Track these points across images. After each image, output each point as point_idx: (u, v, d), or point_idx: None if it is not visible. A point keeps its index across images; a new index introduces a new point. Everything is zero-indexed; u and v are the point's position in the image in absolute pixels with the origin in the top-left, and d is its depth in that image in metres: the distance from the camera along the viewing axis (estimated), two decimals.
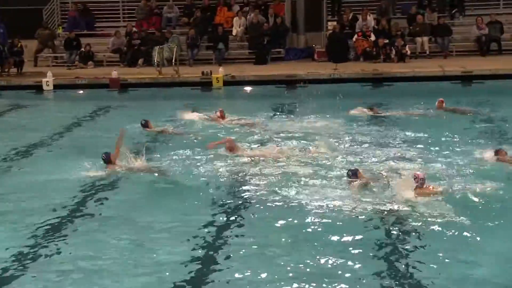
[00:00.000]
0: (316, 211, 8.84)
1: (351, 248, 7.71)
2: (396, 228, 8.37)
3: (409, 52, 22.24)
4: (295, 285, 6.91)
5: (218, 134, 13.45)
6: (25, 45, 23.20)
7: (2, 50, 22.40)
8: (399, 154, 11.63)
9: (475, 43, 22.97)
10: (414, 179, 9.32)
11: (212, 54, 23.77)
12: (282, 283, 6.97)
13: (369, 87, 20.02)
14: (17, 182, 10.91)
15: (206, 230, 8.50)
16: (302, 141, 12.68)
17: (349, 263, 7.36)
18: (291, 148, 12.07)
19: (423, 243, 7.87)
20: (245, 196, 9.74)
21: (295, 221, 8.57)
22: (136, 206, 9.53)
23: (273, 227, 8.50)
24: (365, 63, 22.31)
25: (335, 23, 23.86)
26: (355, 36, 23.11)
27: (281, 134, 13.47)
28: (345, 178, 10.02)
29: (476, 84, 19.59)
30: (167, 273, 7.28)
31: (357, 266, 7.29)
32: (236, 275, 7.19)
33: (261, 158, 11.42)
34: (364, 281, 6.98)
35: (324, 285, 6.90)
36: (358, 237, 8.01)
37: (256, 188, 10.02)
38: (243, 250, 7.82)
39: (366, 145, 12.40)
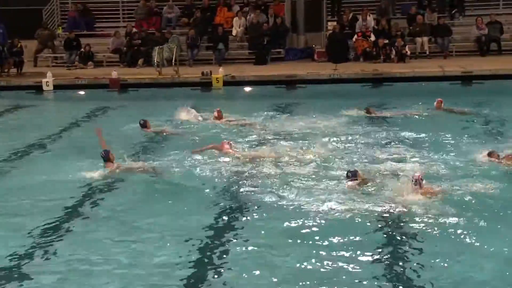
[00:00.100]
0: (315, 212, 8.82)
1: (350, 250, 7.69)
2: (395, 229, 8.37)
3: (409, 52, 22.23)
4: (293, 286, 6.89)
5: (217, 135, 13.44)
6: (25, 46, 23.18)
7: (2, 51, 22.37)
8: (397, 154, 11.60)
9: (475, 43, 22.97)
10: (413, 180, 9.31)
11: (212, 54, 23.76)
12: (281, 284, 6.95)
13: (369, 87, 20.02)
14: (16, 182, 10.90)
15: (203, 230, 8.48)
16: (300, 142, 12.66)
17: (348, 264, 7.35)
18: (289, 148, 12.05)
19: (422, 244, 7.86)
20: (242, 197, 9.70)
21: (294, 223, 8.54)
22: (134, 207, 9.51)
23: (272, 228, 8.47)
24: (365, 63, 22.30)
25: (335, 23, 23.85)
26: (355, 36, 23.11)
27: (280, 135, 13.48)
28: (344, 179, 10.00)
29: (476, 84, 19.58)
30: (165, 274, 7.26)
31: (356, 267, 7.28)
32: (234, 276, 7.18)
33: (258, 159, 11.39)
34: (363, 282, 6.96)
35: (322, 287, 6.90)
36: (357, 238, 8.00)
37: (254, 189, 10.00)
38: (241, 252, 7.80)
39: (364, 145, 12.39)
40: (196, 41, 23.60)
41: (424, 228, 8.27)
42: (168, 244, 8.07)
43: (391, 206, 8.94)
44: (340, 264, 7.38)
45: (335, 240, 7.97)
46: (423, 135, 13.04)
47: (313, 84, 20.19)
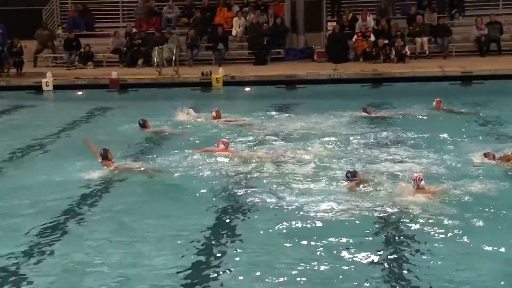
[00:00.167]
0: (314, 213, 8.80)
1: (349, 250, 7.67)
2: (395, 229, 8.36)
3: (408, 53, 22.23)
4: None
5: (216, 134, 13.44)
6: (25, 46, 23.17)
7: (2, 51, 22.36)
8: (397, 155, 11.57)
9: (475, 43, 22.98)
10: (413, 180, 9.32)
11: (211, 54, 23.76)
12: (280, 285, 6.95)
13: (369, 87, 20.03)
14: (16, 182, 10.89)
15: (202, 231, 8.46)
16: (300, 142, 12.64)
17: (347, 265, 7.35)
18: (289, 149, 12.04)
19: (422, 245, 7.84)
20: (241, 198, 9.67)
21: (293, 224, 8.52)
22: (132, 207, 9.49)
23: (270, 229, 8.44)
24: (364, 63, 22.30)
25: (334, 23, 23.85)
26: (355, 36, 23.11)
27: (279, 135, 13.47)
28: (343, 179, 9.99)
29: (476, 85, 19.59)
30: (163, 275, 7.25)
31: (355, 268, 7.28)
32: (232, 277, 7.17)
33: (257, 159, 11.38)
34: (362, 283, 6.95)
35: None
36: (356, 239, 7.98)
37: (253, 189, 9.97)
38: (239, 253, 7.79)
39: (364, 146, 12.38)
40: (196, 41, 23.60)
41: (423, 228, 8.26)
42: (167, 245, 8.04)
43: (390, 207, 8.93)
44: (340, 265, 7.37)
45: (334, 240, 7.95)
46: (422, 135, 13.02)
47: (313, 84, 20.21)
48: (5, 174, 11.63)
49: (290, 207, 9.10)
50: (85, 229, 8.73)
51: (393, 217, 8.69)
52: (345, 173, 10.07)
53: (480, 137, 12.89)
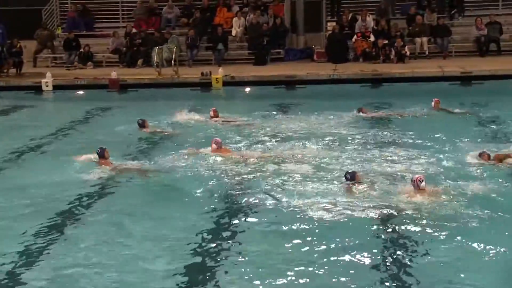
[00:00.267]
0: (313, 214, 8.77)
1: (349, 252, 7.65)
2: (394, 230, 8.33)
3: (408, 53, 22.24)
4: None
5: (215, 134, 13.40)
6: (24, 46, 23.19)
7: (1, 51, 22.39)
8: (396, 155, 11.52)
9: (474, 43, 22.98)
10: (413, 181, 9.30)
11: (211, 54, 23.76)
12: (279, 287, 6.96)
13: (369, 87, 20.02)
14: (15, 182, 10.90)
15: (199, 233, 8.43)
16: (299, 142, 12.62)
17: (347, 267, 7.33)
18: (288, 149, 12.04)
19: (422, 245, 7.83)
20: (238, 199, 9.64)
21: (291, 225, 8.49)
22: (130, 208, 9.47)
23: (269, 230, 8.43)
24: (364, 63, 22.30)
25: (334, 23, 23.85)
26: (355, 36, 23.11)
27: (278, 135, 13.46)
28: (342, 180, 9.98)
29: (475, 85, 19.59)
30: (161, 277, 7.23)
31: (355, 270, 7.26)
32: (230, 280, 7.14)
33: (255, 159, 11.36)
34: (362, 284, 6.94)
35: None
36: (355, 240, 7.95)
37: (251, 190, 9.93)
38: (237, 255, 7.76)
39: (363, 146, 12.36)
40: (195, 42, 23.60)
41: (423, 229, 8.23)
42: (164, 245, 8.03)
43: (390, 208, 8.90)
44: (339, 266, 7.35)
45: (333, 242, 7.92)
46: (421, 135, 12.99)
47: (312, 84, 20.22)
48: (4, 174, 11.63)
49: (288, 208, 9.07)
50: (83, 230, 8.72)
51: (393, 218, 8.66)
52: (344, 174, 10.05)
53: (479, 137, 12.89)
